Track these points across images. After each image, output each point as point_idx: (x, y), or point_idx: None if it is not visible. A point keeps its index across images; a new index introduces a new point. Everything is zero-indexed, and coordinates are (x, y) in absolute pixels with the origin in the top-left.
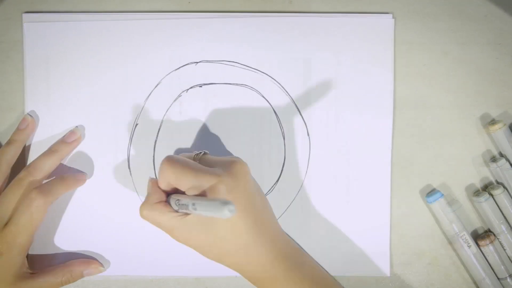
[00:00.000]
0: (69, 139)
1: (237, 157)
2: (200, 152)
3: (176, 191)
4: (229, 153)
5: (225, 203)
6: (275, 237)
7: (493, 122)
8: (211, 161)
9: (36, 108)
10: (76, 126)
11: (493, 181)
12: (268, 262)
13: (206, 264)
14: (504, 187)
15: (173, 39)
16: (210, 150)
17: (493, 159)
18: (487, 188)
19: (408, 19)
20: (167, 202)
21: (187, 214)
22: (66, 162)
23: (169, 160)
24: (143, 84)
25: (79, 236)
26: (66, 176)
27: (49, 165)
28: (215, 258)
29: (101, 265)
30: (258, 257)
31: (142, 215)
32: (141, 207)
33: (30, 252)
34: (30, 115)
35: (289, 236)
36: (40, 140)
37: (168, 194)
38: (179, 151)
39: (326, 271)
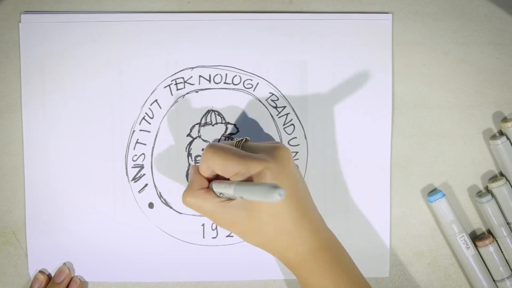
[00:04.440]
0: (58, 279)
1: (279, 142)
2: (242, 139)
3: (217, 177)
4: None
5: (275, 187)
6: (318, 226)
7: (505, 119)
8: (254, 147)
9: (32, 109)
10: (64, 263)
11: (497, 174)
12: (308, 251)
13: (206, 267)
14: (507, 180)
15: (170, 43)
16: None
17: (494, 137)
18: (488, 186)
19: (408, 19)
20: (210, 188)
21: (230, 199)
22: (62, 164)
23: (213, 147)
24: (140, 91)
25: (79, 243)
26: None
27: None
28: (257, 243)
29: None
30: (301, 245)
31: (184, 202)
32: (184, 194)
33: (31, 252)
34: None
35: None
36: (36, 141)
37: (210, 181)
38: (179, 154)
39: (359, 270)
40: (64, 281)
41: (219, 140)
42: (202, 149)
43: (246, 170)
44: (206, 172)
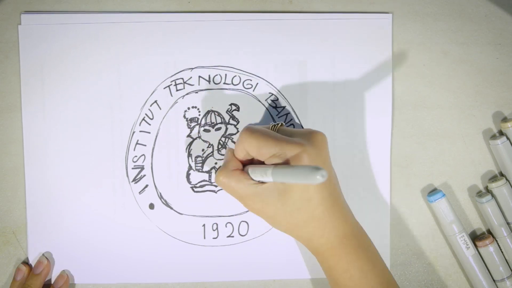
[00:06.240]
0: (37, 270)
1: (315, 129)
2: (277, 124)
3: (251, 162)
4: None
5: (317, 168)
6: (347, 214)
7: (505, 119)
8: (289, 131)
9: (32, 109)
10: (42, 254)
11: (497, 174)
12: (337, 238)
13: (207, 268)
14: (507, 180)
15: (169, 43)
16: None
17: (494, 137)
18: (488, 186)
19: (408, 19)
20: (245, 171)
21: (263, 182)
22: (62, 165)
23: (250, 129)
24: (139, 91)
25: (79, 243)
26: None
27: None
28: (286, 229)
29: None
30: (330, 231)
31: (217, 181)
32: (218, 173)
33: (31, 252)
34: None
35: None
36: (36, 141)
37: (244, 165)
38: (179, 155)
39: (383, 260)
40: (43, 272)
41: (223, 143)
42: (202, 150)
43: (283, 152)
44: (241, 154)
